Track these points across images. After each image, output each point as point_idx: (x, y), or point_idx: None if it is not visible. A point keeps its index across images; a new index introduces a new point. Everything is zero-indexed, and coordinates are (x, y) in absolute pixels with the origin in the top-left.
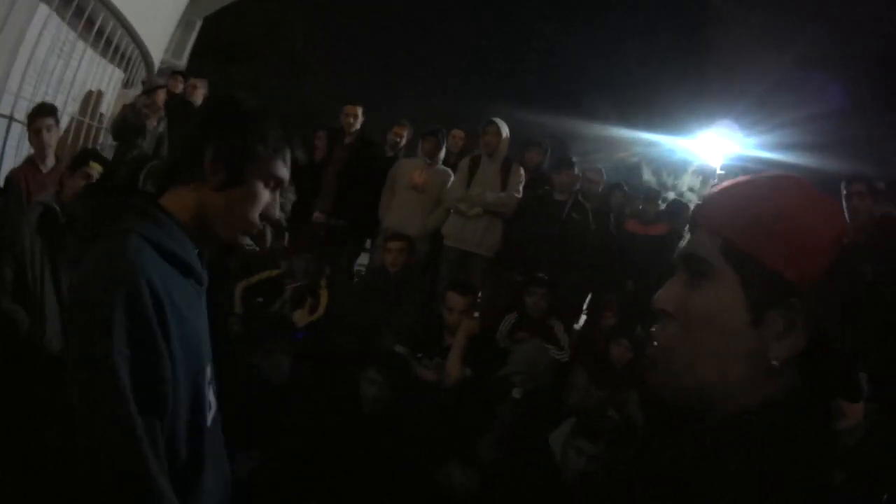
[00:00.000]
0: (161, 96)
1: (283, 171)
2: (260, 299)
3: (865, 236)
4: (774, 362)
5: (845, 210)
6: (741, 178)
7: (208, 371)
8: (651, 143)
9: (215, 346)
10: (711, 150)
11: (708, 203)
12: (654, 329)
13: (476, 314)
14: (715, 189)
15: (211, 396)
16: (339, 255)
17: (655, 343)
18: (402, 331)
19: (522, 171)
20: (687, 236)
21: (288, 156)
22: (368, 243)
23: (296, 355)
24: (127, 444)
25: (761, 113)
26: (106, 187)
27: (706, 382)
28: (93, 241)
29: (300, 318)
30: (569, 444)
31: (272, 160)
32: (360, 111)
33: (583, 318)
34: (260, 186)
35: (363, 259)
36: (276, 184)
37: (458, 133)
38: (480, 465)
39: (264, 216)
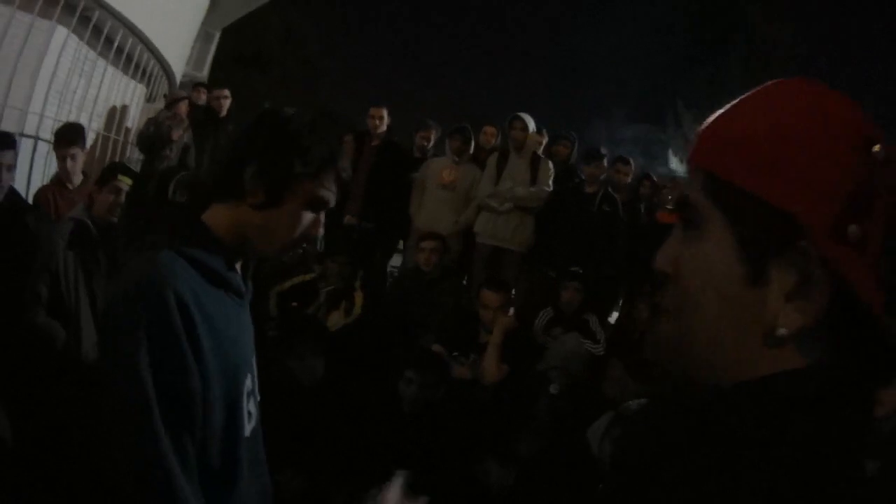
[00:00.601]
0: (184, 108)
1: (327, 193)
2: (294, 304)
3: None
4: (782, 331)
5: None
6: (738, 98)
7: (248, 382)
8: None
9: (257, 354)
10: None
11: (699, 134)
12: (655, 291)
13: (511, 310)
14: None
15: (251, 407)
16: (372, 257)
17: (655, 304)
18: (439, 330)
19: (551, 165)
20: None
21: (333, 175)
22: (401, 244)
23: (330, 358)
24: (152, 456)
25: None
26: (144, 201)
27: (704, 354)
28: (132, 254)
29: (335, 320)
30: (606, 437)
31: (314, 181)
32: (385, 113)
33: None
34: (300, 208)
35: (396, 261)
36: (318, 205)
37: (490, 129)
38: (518, 461)
39: (305, 237)
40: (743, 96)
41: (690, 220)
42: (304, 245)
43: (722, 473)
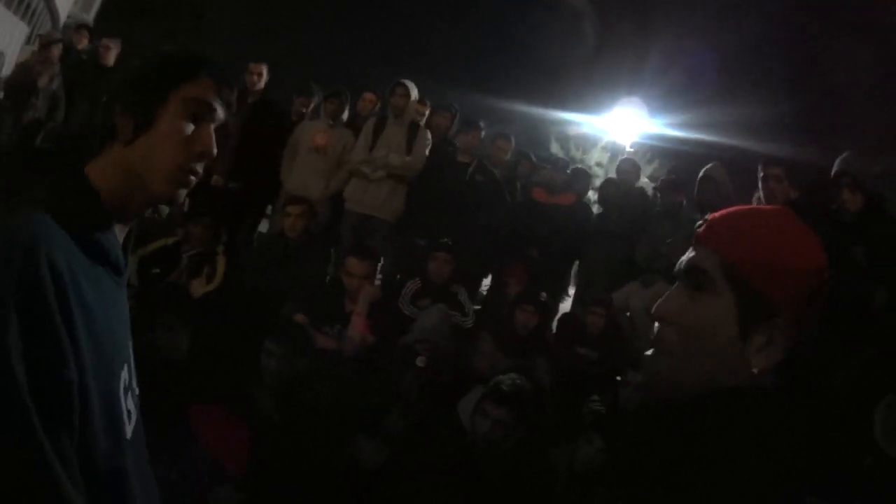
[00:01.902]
0: (56, 52)
1: (208, 95)
2: (156, 270)
3: None
4: (755, 370)
5: (761, 193)
6: (745, 207)
7: (124, 375)
8: (561, 121)
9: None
10: (621, 128)
11: (714, 223)
12: (655, 333)
13: (378, 279)
14: (721, 212)
15: (130, 404)
16: (239, 221)
17: (654, 347)
18: (303, 299)
19: (429, 135)
20: (691, 252)
21: (215, 82)
22: (270, 209)
23: (194, 329)
24: (36, 468)
25: (668, 93)
26: (25, 152)
27: (695, 383)
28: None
29: (197, 287)
30: (477, 412)
31: (189, 85)
32: (265, 69)
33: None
34: (175, 120)
35: (265, 226)
36: (201, 112)
37: (370, 96)
38: (388, 436)
39: (200, 154)
40: (751, 211)
41: (701, 285)
42: (200, 168)
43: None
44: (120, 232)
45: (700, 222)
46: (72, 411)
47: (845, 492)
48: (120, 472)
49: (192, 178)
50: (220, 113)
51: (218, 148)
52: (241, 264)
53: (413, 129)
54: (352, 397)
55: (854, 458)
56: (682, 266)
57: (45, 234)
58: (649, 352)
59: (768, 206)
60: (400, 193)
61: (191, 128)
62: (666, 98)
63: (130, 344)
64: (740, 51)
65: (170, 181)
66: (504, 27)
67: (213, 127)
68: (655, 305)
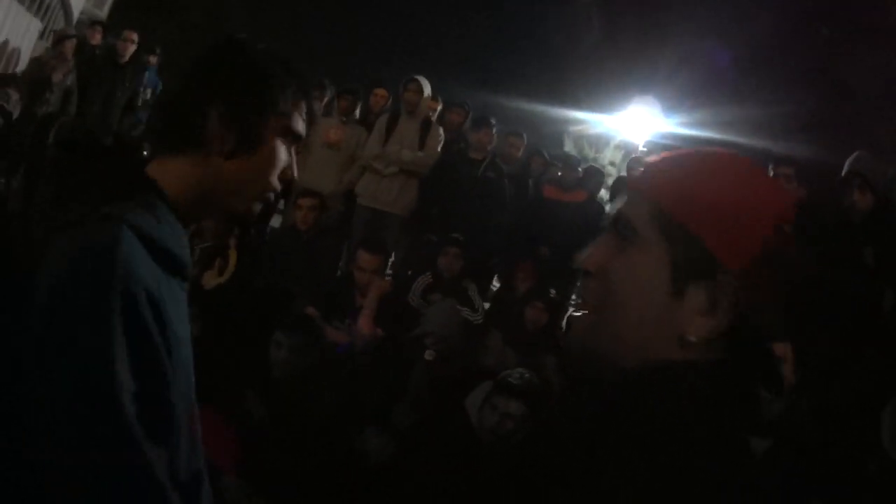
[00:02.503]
0: (70, 48)
1: (302, 126)
2: None
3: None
4: (691, 338)
5: None
6: (684, 150)
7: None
8: (575, 120)
9: None
10: (634, 126)
11: (647, 169)
12: (578, 286)
13: (389, 274)
14: (655, 157)
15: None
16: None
17: (577, 300)
18: (314, 292)
19: (441, 131)
20: (620, 198)
21: (305, 107)
22: (282, 204)
23: (205, 321)
24: (149, 490)
25: (681, 92)
26: (20, 146)
27: (620, 346)
28: (63, 226)
29: (209, 279)
30: (485, 406)
31: (291, 113)
32: None
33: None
34: (279, 146)
35: (276, 221)
36: (294, 140)
37: (381, 92)
38: (396, 430)
39: (288, 178)
40: (695, 152)
41: (628, 234)
42: (278, 190)
43: (635, 449)
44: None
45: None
46: (170, 434)
47: (850, 497)
48: (200, 481)
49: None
50: (304, 135)
51: None
52: (252, 258)
53: (426, 125)
54: (360, 391)
55: (859, 463)
56: (610, 214)
57: (135, 255)
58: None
59: (715, 148)
60: (412, 189)
61: (285, 154)
62: (680, 97)
63: None
64: (755, 50)
65: (254, 200)
66: (518, 25)
67: None
68: (581, 255)
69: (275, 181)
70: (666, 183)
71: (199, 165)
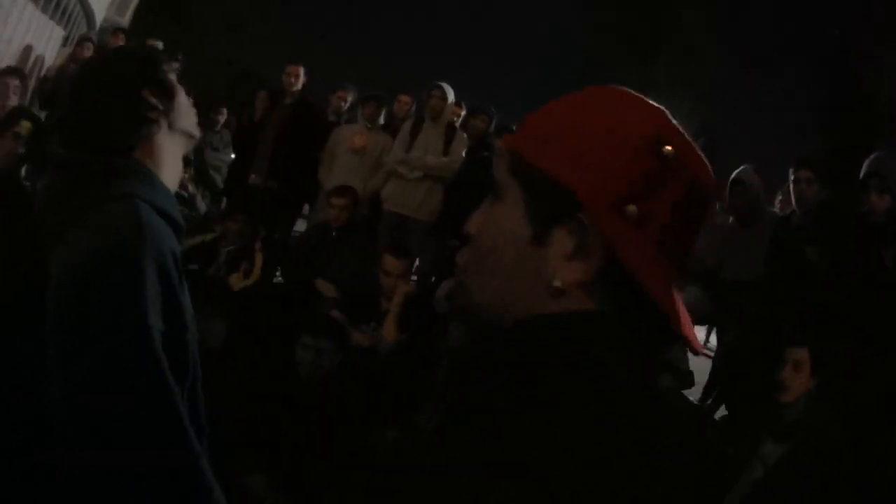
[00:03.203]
0: (87, 51)
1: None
2: (194, 266)
3: (809, 221)
4: (557, 283)
5: (792, 194)
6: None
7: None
8: None
9: None
10: None
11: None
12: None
13: (414, 279)
14: None
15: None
16: (277, 219)
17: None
18: (341, 295)
19: (466, 137)
20: None
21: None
22: (307, 209)
23: (233, 320)
24: (176, 436)
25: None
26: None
27: (489, 302)
28: (80, 210)
29: (235, 281)
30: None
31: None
32: (301, 71)
33: None
34: (182, 97)
35: (300, 226)
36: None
37: (405, 98)
38: (420, 432)
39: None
40: (561, 98)
41: (495, 192)
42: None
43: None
44: None
45: None
46: (187, 372)
47: (873, 500)
48: (202, 427)
49: None
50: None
51: (255, 146)
52: (278, 261)
53: (450, 130)
54: (384, 393)
55: (882, 467)
56: None
57: (154, 221)
58: None
59: (585, 88)
60: (436, 194)
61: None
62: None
63: None
64: (764, 48)
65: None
66: (530, 31)
67: None
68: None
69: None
70: (525, 129)
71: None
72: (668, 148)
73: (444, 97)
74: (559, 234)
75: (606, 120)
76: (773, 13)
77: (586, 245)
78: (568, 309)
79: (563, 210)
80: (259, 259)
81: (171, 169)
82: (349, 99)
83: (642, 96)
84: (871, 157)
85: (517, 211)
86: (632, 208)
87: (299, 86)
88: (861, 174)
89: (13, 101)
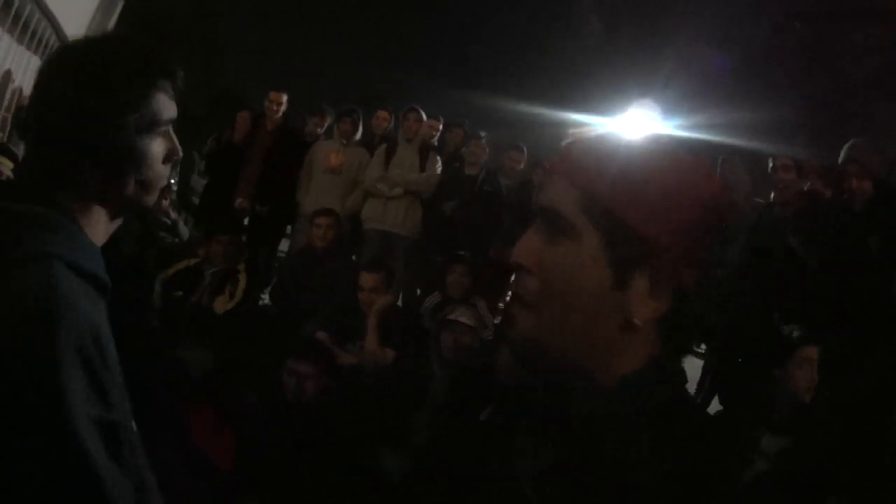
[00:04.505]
0: None
1: (172, 108)
2: (179, 292)
3: (792, 211)
4: (637, 322)
5: (774, 184)
6: (602, 133)
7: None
8: (574, 123)
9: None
10: (634, 130)
11: (570, 154)
12: (512, 283)
13: (397, 293)
14: (574, 141)
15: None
16: (261, 242)
17: (515, 297)
18: (328, 315)
19: (439, 159)
20: (545, 187)
21: (174, 83)
22: (289, 229)
23: (218, 347)
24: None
25: (680, 95)
26: (12, 189)
27: (568, 340)
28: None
29: (221, 304)
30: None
31: (160, 105)
32: (284, 99)
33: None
34: (159, 144)
35: (283, 245)
36: (170, 125)
37: (383, 114)
38: (412, 447)
39: (176, 162)
40: (618, 136)
41: (556, 225)
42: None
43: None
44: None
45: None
46: (121, 451)
47: (865, 491)
48: (149, 488)
49: None
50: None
51: (235, 169)
52: (262, 283)
53: (424, 150)
54: (374, 411)
55: (875, 457)
56: (537, 205)
57: (72, 288)
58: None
59: (646, 138)
60: (417, 211)
61: (170, 144)
62: (678, 100)
63: None
64: (752, 52)
65: (156, 195)
66: (516, 28)
67: None
68: (514, 251)
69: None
70: (591, 169)
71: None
72: (715, 202)
73: (419, 119)
74: (637, 279)
75: (674, 177)
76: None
77: (659, 287)
78: (644, 353)
79: (643, 258)
80: (243, 280)
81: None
82: (325, 124)
83: (686, 154)
84: (849, 143)
85: (595, 254)
86: (696, 256)
87: (281, 113)
88: (839, 161)
89: None
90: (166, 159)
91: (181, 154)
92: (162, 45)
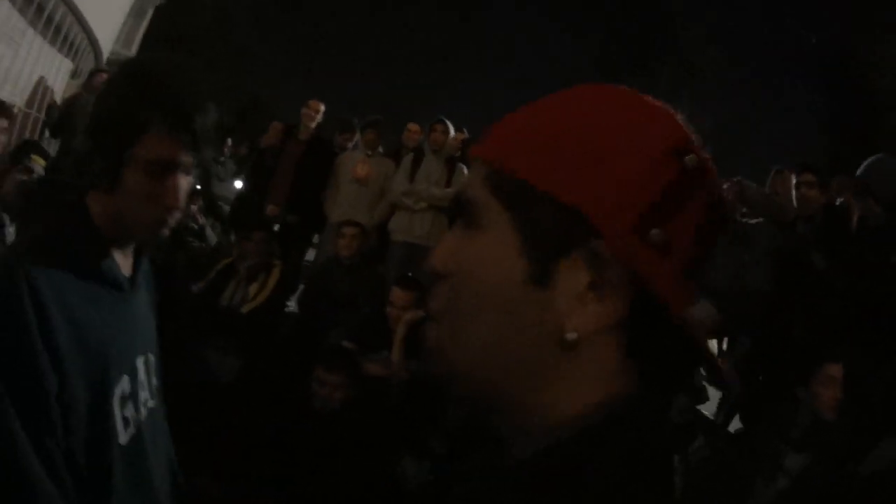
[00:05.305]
0: (99, 81)
1: (166, 151)
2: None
3: (813, 227)
4: (570, 335)
5: (794, 200)
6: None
7: (123, 385)
8: None
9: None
10: None
11: (487, 130)
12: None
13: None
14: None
15: (129, 412)
16: (290, 249)
17: (428, 313)
18: (354, 324)
19: (466, 171)
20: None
21: (165, 132)
22: (316, 238)
23: (246, 353)
24: (11, 462)
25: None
26: (42, 183)
27: (476, 366)
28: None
29: (254, 290)
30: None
31: (146, 143)
32: (322, 108)
33: None
34: (137, 179)
35: (309, 255)
36: (162, 169)
37: (413, 127)
38: (433, 456)
39: (169, 208)
40: (546, 97)
41: (469, 217)
42: (173, 217)
43: None
44: (122, 253)
45: None
46: (51, 416)
47: None
48: (108, 473)
49: (170, 222)
50: (183, 158)
51: (270, 178)
52: (289, 290)
53: (451, 163)
54: (397, 420)
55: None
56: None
57: (31, 257)
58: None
59: (573, 87)
60: (443, 223)
61: (154, 185)
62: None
63: (145, 358)
64: (770, 56)
65: (148, 230)
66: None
67: (180, 176)
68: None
69: (153, 211)
70: (504, 136)
71: (100, 199)
72: (692, 156)
73: (446, 132)
74: (568, 270)
75: (616, 124)
76: (772, 18)
77: (604, 280)
78: (597, 388)
79: (572, 238)
80: (277, 272)
81: None
82: (355, 139)
83: (646, 96)
84: (871, 159)
85: (505, 240)
86: (656, 232)
87: (316, 122)
88: (856, 176)
89: (2, 140)
90: (148, 199)
91: (177, 203)
92: (192, 88)
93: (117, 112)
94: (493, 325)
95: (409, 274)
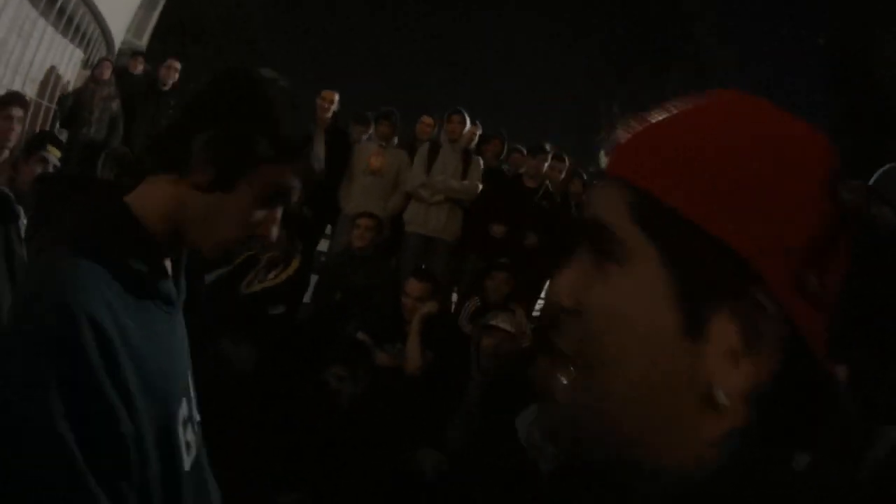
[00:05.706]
0: (106, 70)
1: (292, 185)
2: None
3: None
4: (722, 399)
5: None
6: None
7: (184, 409)
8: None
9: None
10: None
11: (624, 142)
12: (545, 334)
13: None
14: (634, 127)
15: (189, 436)
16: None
17: (549, 352)
18: (368, 316)
19: (482, 162)
20: (591, 196)
21: (303, 165)
22: (329, 229)
23: (263, 343)
24: None
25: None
26: (64, 178)
27: (623, 417)
28: (41, 248)
29: (275, 275)
30: (534, 426)
31: (280, 166)
32: (336, 98)
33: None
34: (253, 197)
35: (322, 246)
36: (278, 198)
37: (427, 119)
38: (449, 448)
39: (254, 237)
40: (683, 106)
41: (606, 248)
42: (250, 247)
43: None
44: (168, 259)
45: None
46: (130, 461)
47: None
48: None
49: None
50: (295, 195)
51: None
52: (305, 281)
53: (467, 155)
54: (413, 412)
55: None
56: (579, 221)
57: (79, 284)
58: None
59: (713, 96)
60: (458, 215)
61: (262, 213)
62: None
63: (190, 372)
64: (781, 55)
65: (219, 249)
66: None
67: (280, 209)
68: (551, 285)
69: (238, 232)
70: (645, 157)
71: (175, 189)
72: (846, 191)
73: (462, 122)
74: (723, 321)
75: (771, 150)
76: (783, 18)
77: (761, 335)
78: (731, 437)
79: (731, 284)
80: (295, 263)
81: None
82: (370, 131)
83: (789, 115)
84: (885, 167)
85: (653, 281)
86: (812, 279)
87: (331, 112)
88: (869, 183)
89: (17, 131)
90: (247, 220)
91: (270, 236)
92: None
93: (269, 119)
94: (642, 375)
95: (423, 266)
